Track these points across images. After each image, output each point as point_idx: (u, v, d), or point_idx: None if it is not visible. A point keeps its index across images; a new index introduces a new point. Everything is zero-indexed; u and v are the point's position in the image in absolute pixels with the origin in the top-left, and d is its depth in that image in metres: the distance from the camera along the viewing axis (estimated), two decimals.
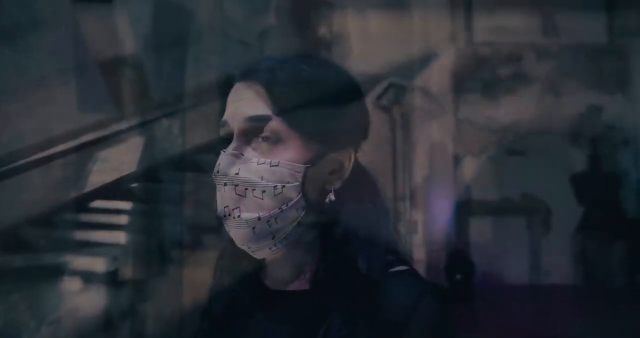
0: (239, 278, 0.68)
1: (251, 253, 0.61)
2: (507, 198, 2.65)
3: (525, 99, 2.62)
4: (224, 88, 0.66)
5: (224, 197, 0.61)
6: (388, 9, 2.20)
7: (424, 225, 2.44)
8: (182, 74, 2.02)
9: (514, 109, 2.58)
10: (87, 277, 1.36)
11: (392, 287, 0.60)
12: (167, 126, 2.01)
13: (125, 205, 1.49)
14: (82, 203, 1.39)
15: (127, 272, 1.43)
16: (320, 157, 0.61)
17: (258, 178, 0.60)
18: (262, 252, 0.61)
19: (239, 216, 0.60)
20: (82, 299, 1.35)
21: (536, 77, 2.65)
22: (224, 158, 0.61)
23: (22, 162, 1.22)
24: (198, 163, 1.75)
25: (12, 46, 1.21)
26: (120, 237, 1.44)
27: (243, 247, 0.62)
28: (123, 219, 1.48)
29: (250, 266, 0.67)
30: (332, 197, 0.61)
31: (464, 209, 2.55)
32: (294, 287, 0.62)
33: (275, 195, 0.60)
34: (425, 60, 2.35)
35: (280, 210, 0.60)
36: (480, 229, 2.60)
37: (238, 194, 0.60)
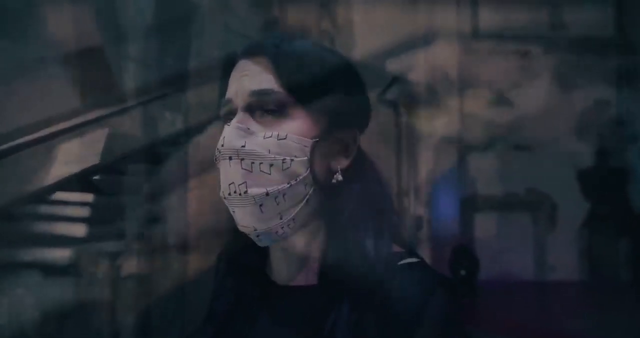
0: (244, 275, 0.66)
1: (255, 239, 0.59)
2: (512, 194, 2.63)
3: (532, 93, 2.59)
4: (226, 67, 0.64)
5: (228, 172, 0.59)
6: (393, 2, 2.18)
7: (428, 221, 2.43)
8: (185, 66, 2.01)
9: (520, 104, 2.55)
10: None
11: (403, 280, 0.58)
12: (171, 120, 2.01)
13: (88, 197, 1.49)
14: (43, 196, 1.39)
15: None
16: (326, 133, 0.60)
17: (265, 151, 0.58)
18: (268, 237, 0.59)
19: (245, 192, 0.57)
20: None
21: (543, 71, 2.62)
22: (228, 131, 0.59)
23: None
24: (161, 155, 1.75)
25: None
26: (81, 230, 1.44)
27: (247, 230, 0.60)
28: (85, 211, 1.48)
29: (253, 262, 0.65)
30: (339, 177, 0.60)
31: (469, 204, 2.53)
32: (301, 280, 0.62)
33: (283, 170, 0.58)
34: (430, 53, 2.33)
35: (289, 185, 0.58)
36: (485, 225, 2.58)
37: (244, 169, 0.58)
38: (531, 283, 2.63)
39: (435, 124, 2.39)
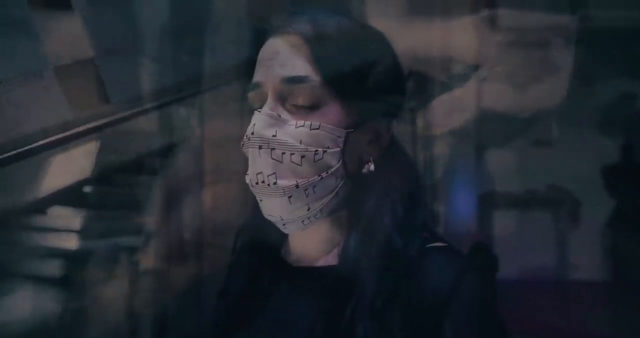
0: (259, 256, 0.65)
1: (281, 227, 0.58)
2: (532, 191, 2.57)
3: (553, 86, 2.52)
4: (256, 45, 0.60)
5: (257, 161, 0.57)
6: None
7: (446, 218, 2.38)
8: (200, 64, 2.00)
9: (540, 98, 2.48)
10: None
11: (431, 263, 0.57)
12: (185, 116, 2.00)
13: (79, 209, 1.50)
14: (37, 207, 1.40)
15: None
16: (360, 124, 0.58)
17: (297, 142, 0.55)
18: (294, 225, 0.58)
19: (274, 183, 0.55)
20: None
21: (565, 64, 2.55)
22: (259, 118, 0.57)
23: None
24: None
25: None
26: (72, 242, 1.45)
27: (274, 218, 0.58)
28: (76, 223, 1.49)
29: (271, 242, 0.64)
30: (371, 167, 0.58)
31: (487, 201, 2.48)
32: (320, 263, 0.59)
33: (315, 162, 0.56)
34: (447, 46, 2.28)
35: (320, 177, 0.56)
36: (504, 222, 2.53)
37: (274, 159, 0.55)
38: (553, 282, 2.56)
39: (452, 119, 2.34)
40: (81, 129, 1.34)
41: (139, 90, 1.59)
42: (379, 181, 0.60)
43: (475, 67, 2.39)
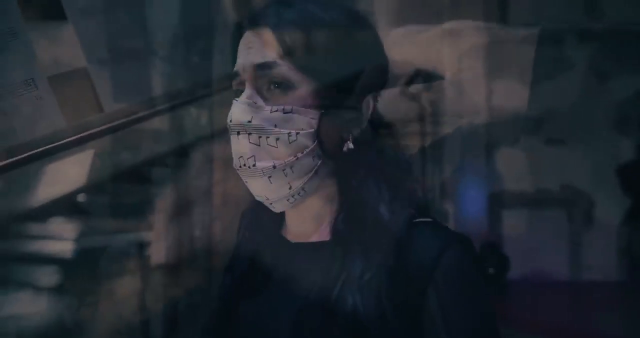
0: (261, 234, 0.69)
1: (269, 206, 0.63)
2: (545, 190, 2.54)
3: (566, 84, 2.49)
4: (235, 36, 0.65)
5: (238, 146, 0.61)
6: None
7: (455, 217, 2.36)
8: (210, 65, 2.02)
9: (552, 95, 2.46)
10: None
11: (416, 237, 0.59)
12: (196, 116, 2.02)
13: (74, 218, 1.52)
14: (32, 216, 1.41)
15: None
16: (336, 103, 0.61)
17: (271, 126, 0.59)
18: (280, 204, 0.62)
19: (254, 165, 0.60)
20: None
21: (578, 61, 2.52)
22: (237, 106, 0.61)
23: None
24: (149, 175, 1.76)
25: None
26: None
27: (260, 198, 0.64)
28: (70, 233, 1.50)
29: (271, 221, 0.68)
30: (350, 145, 0.61)
31: (497, 200, 2.46)
32: (314, 238, 0.63)
33: (290, 143, 0.59)
34: (456, 42, 2.26)
35: (295, 158, 0.59)
36: (515, 222, 2.50)
37: (252, 143, 0.60)
38: (566, 283, 2.53)
39: (461, 117, 2.32)
40: (73, 138, 1.38)
41: (135, 97, 1.61)
42: (362, 158, 0.62)
43: (486, 65, 2.37)
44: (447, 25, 2.09)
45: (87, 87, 1.39)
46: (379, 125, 0.66)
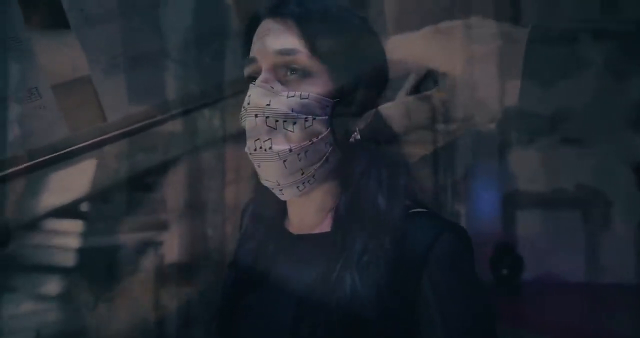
0: (263, 228, 0.70)
1: (278, 193, 0.65)
2: (560, 190, 2.51)
3: (581, 83, 2.45)
4: (251, 26, 0.66)
5: (254, 129, 0.62)
6: None
7: (467, 217, 2.35)
8: (222, 66, 2.03)
9: (567, 94, 2.42)
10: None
11: (412, 224, 0.62)
12: (209, 117, 2.03)
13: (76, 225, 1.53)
14: (34, 224, 1.43)
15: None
16: (348, 94, 0.62)
17: (289, 110, 0.61)
18: (290, 190, 0.63)
19: (270, 148, 0.61)
20: None
21: (593, 59, 2.48)
22: (254, 90, 0.62)
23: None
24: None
25: None
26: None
27: (270, 184, 0.64)
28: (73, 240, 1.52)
29: (273, 215, 0.69)
30: (357, 136, 0.62)
31: (511, 201, 2.43)
32: (315, 230, 0.64)
33: (306, 128, 0.61)
34: (468, 41, 2.24)
35: (310, 142, 0.61)
36: (529, 222, 2.48)
37: (269, 126, 0.61)
38: (581, 284, 2.50)
39: (474, 117, 2.31)
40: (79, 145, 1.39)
41: (138, 106, 1.63)
42: (365, 150, 0.64)
43: (499, 64, 2.35)
44: (457, 23, 2.08)
45: (90, 95, 1.41)
46: (381, 126, 0.69)
